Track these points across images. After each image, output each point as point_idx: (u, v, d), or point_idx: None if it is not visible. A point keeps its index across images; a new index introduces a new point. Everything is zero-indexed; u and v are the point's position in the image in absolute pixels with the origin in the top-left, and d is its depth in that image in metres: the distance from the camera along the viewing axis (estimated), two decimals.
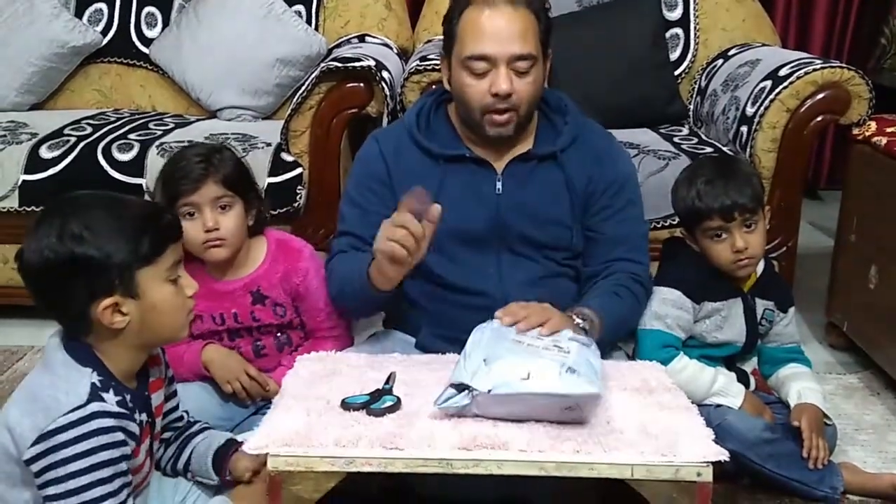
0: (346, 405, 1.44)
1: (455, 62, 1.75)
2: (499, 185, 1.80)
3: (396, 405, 1.44)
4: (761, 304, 1.94)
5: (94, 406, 1.30)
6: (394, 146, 1.84)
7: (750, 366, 2.01)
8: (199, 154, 1.83)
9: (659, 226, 2.38)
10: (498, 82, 1.69)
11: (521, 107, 1.73)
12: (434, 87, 2.10)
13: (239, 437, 1.60)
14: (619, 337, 1.83)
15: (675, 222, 2.37)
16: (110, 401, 1.32)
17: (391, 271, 1.61)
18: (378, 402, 1.44)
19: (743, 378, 1.95)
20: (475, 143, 1.81)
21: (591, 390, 1.37)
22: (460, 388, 1.40)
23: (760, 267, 1.93)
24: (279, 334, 1.95)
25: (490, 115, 1.73)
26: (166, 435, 1.56)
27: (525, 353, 1.43)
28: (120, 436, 1.32)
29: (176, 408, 1.58)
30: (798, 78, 2.37)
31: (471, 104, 1.74)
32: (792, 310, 2.00)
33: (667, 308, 1.85)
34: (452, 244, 1.78)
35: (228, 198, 1.82)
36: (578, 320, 1.62)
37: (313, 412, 1.42)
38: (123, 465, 1.33)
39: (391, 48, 2.84)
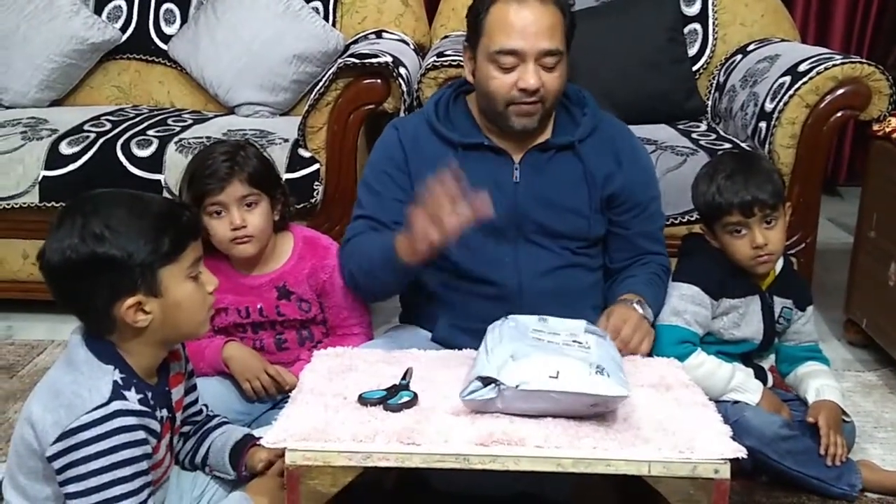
0: (364, 400, 1.45)
1: (481, 56, 1.76)
2: (517, 174, 1.81)
3: (413, 400, 1.44)
4: (779, 303, 1.93)
5: (117, 404, 1.31)
6: (412, 134, 1.85)
7: (767, 363, 2.01)
8: (225, 153, 1.84)
9: (677, 222, 2.37)
10: (526, 78, 1.70)
11: (547, 100, 1.75)
12: (451, 83, 2.10)
13: (256, 432, 1.61)
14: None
15: (692, 218, 2.36)
16: (132, 399, 1.33)
17: (422, 252, 1.62)
18: (395, 397, 1.44)
19: (760, 375, 1.94)
20: (493, 134, 1.82)
21: (622, 392, 1.36)
22: (486, 381, 1.39)
23: (779, 265, 1.92)
24: (302, 329, 1.97)
25: (516, 106, 1.74)
26: (185, 429, 1.57)
27: (549, 350, 1.42)
28: (141, 434, 1.33)
29: (195, 402, 1.58)
30: (818, 73, 2.36)
31: (496, 97, 1.75)
32: (810, 308, 1.99)
33: (685, 304, 1.85)
34: (469, 233, 1.78)
35: (255, 195, 1.84)
36: (648, 310, 1.77)
37: (331, 407, 1.43)
38: (144, 464, 1.34)
39: (408, 44, 2.84)
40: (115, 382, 1.33)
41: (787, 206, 1.88)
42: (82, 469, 1.29)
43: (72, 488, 1.30)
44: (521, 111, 1.74)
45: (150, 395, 1.37)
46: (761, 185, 1.81)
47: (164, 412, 1.41)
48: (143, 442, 1.33)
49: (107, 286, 1.31)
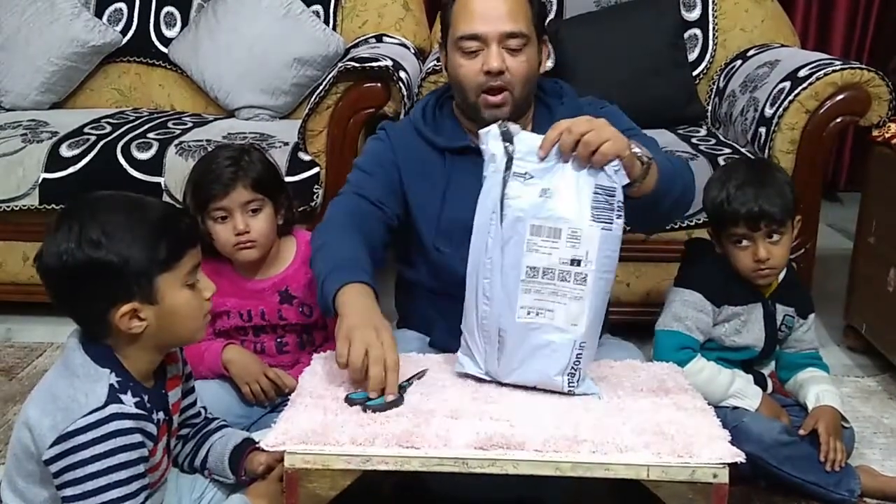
0: (351, 401, 1.44)
1: (450, 46, 1.77)
2: None
3: (397, 401, 1.44)
4: (781, 310, 1.93)
5: (113, 408, 1.31)
6: (402, 139, 1.85)
7: (768, 369, 2.01)
8: (229, 157, 1.84)
9: (677, 227, 2.37)
10: (489, 60, 1.70)
11: (514, 86, 1.73)
12: (434, 89, 2.10)
13: (255, 435, 1.61)
14: (673, 195, 1.62)
15: (693, 223, 2.36)
16: (128, 402, 1.33)
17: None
18: (378, 398, 1.44)
19: (760, 381, 1.94)
20: (476, 135, 1.81)
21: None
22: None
23: (782, 273, 1.92)
24: (303, 333, 1.97)
25: (484, 97, 1.74)
26: (184, 431, 1.57)
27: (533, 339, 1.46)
28: (138, 437, 1.33)
29: (193, 404, 1.58)
30: (817, 79, 2.36)
31: (464, 85, 1.75)
32: (812, 316, 1.99)
33: (687, 310, 1.85)
34: (463, 238, 1.78)
35: (259, 201, 1.85)
36: (636, 149, 1.49)
37: (330, 410, 1.43)
38: (141, 468, 1.33)
39: (408, 48, 2.84)
40: (111, 386, 1.32)
41: (796, 221, 1.87)
42: (79, 472, 1.29)
43: (69, 492, 1.29)
44: (490, 103, 1.73)
45: (146, 398, 1.36)
46: (771, 198, 1.80)
47: (161, 415, 1.41)
48: (140, 445, 1.33)
49: (103, 292, 1.31)
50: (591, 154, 1.40)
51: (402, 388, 1.48)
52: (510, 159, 1.43)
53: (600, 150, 1.39)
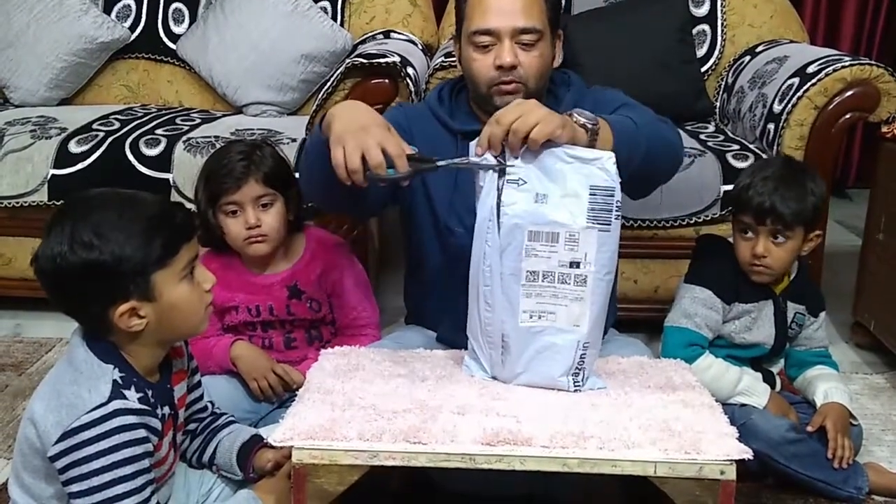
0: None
1: (463, 40, 1.77)
2: None
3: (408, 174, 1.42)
4: (792, 308, 1.93)
5: (116, 403, 1.31)
6: (416, 116, 1.85)
7: (777, 367, 2.00)
8: (241, 152, 1.85)
9: (684, 223, 2.37)
10: (502, 55, 1.70)
11: (528, 80, 1.73)
12: (452, 77, 2.10)
13: (263, 431, 1.61)
14: (639, 153, 1.60)
15: (700, 220, 2.36)
16: (132, 398, 1.33)
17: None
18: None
19: (769, 379, 1.94)
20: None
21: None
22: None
23: (794, 270, 1.92)
24: (311, 329, 1.98)
25: (498, 87, 1.74)
26: (191, 426, 1.57)
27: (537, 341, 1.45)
28: (142, 433, 1.33)
29: (200, 398, 1.58)
30: (826, 75, 2.35)
31: (477, 79, 1.75)
32: (823, 314, 1.98)
33: (696, 307, 1.85)
34: (474, 220, 1.78)
35: (270, 195, 1.85)
36: (578, 118, 1.47)
37: (337, 406, 1.43)
38: (146, 462, 1.34)
39: (416, 44, 2.84)
40: (114, 382, 1.33)
41: (813, 234, 1.85)
42: (84, 468, 1.29)
43: (74, 487, 1.30)
44: (503, 90, 1.73)
45: (150, 393, 1.37)
46: (787, 200, 1.80)
47: (167, 409, 1.41)
48: (144, 440, 1.33)
49: (99, 292, 1.31)
50: (522, 142, 1.40)
51: (415, 160, 1.44)
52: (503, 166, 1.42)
53: (530, 137, 1.39)
